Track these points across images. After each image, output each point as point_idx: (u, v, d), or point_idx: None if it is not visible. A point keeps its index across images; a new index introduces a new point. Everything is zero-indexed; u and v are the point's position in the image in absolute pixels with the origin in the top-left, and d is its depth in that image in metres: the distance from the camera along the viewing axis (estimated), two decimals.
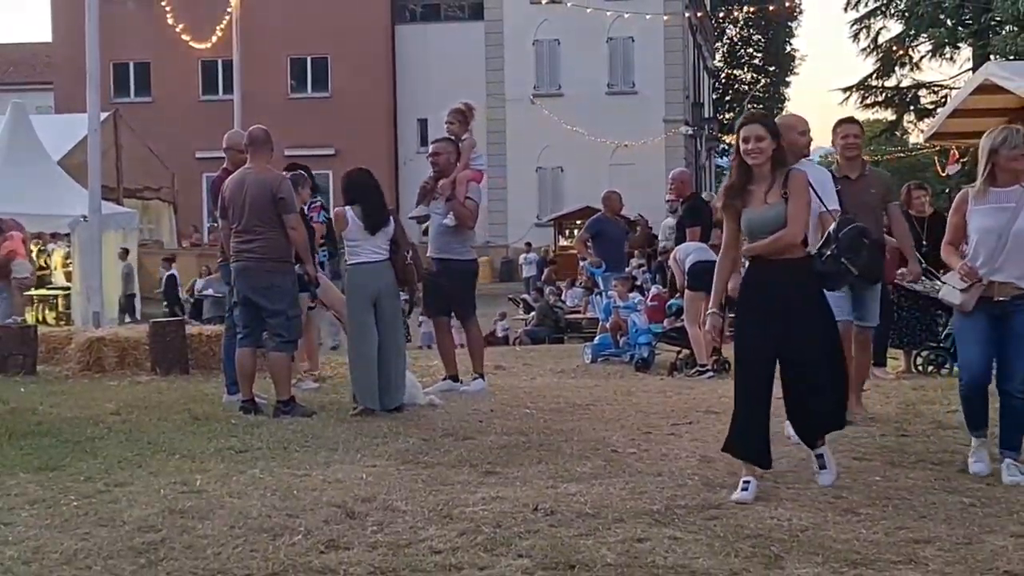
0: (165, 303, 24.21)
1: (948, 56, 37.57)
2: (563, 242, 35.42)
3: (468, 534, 4.68)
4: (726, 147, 50.95)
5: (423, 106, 35.99)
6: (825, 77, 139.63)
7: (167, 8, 21.95)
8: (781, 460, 5.74)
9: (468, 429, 7.30)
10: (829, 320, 5.60)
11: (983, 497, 5.32)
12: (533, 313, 20.95)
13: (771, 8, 44.93)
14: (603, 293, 12.69)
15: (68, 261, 21.99)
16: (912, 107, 39.74)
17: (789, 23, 56.94)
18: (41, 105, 36.35)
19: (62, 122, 24.37)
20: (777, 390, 5.49)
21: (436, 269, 9.03)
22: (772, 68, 58.81)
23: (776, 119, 5.99)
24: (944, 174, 20.55)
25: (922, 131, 31.58)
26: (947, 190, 28.34)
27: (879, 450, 6.48)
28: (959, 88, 19.85)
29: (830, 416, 5.58)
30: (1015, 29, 30.77)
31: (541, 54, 39.55)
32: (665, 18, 37.79)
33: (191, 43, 22.92)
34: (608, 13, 36.56)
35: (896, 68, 39.43)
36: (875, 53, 39.78)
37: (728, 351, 8.06)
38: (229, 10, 19.08)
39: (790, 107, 60.93)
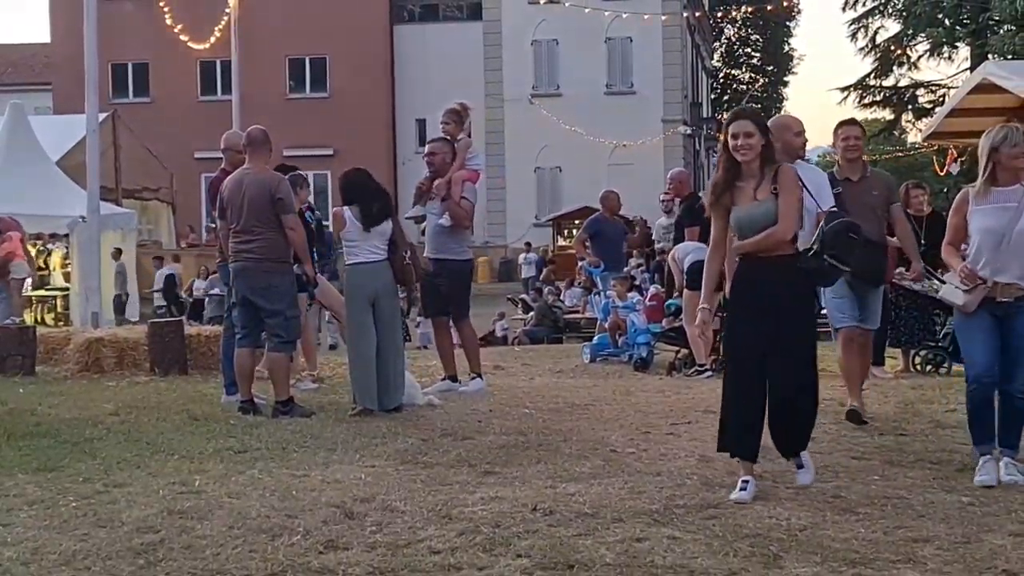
0: (165, 303, 24.18)
1: (946, 55, 37.61)
2: (562, 242, 35.44)
3: (467, 534, 4.68)
4: None
5: (422, 106, 35.98)
6: (823, 77, 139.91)
7: (165, 9, 21.94)
8: (779, 459, 5.74)
9: (467, 429, 7.30)
10: (814, 320, 5.61)
11: (981, 496, 5.32)
12: (532, 313, 20.95)
13: (769, 8, 44.86)
14: (602, 293, 12.70)
15: (67, 262, 21.98)
16: (910, 106, 39.76)
17: (787, 23, 56.97)
18: (40, 106, 36.35)
19: (61, 123, 24.35)
20: None
21: (433, 269, 9.04)
22: (770, 68, 58.82)
23: (771, 120, 5.98)
24: (944, 172, 20.57)
25: (920, 131, 31.57)
26: (945, 189, 28.38)
27: (877, 449, 6.49)
28: (957, 87, 19.83)
29: (811, 417, 5.54)
30: (1013, 28, 30.79)
31: (539, 54, 39.57)
32: (663, 18, 37.80)
33: (190, 43, 22.90)
34: (606, 13, 36.59)
35: (894, 68, 39.46)
36: (873, 53, 39.81)
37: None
38: (228, 10, 19.09)
39: (788, 107, 61.11)
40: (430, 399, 8.51)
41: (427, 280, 9.00)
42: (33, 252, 18.98)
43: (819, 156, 40.17)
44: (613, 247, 13.12)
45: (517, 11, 39.00)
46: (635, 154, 35.95)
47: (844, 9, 40.21)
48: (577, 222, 26.62)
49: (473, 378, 9.27)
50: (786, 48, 59.01)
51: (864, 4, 39.76)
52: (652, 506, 5.12)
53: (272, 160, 8.52)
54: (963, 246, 5.98)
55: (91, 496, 5.48)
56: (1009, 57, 27.24)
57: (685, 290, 10.69)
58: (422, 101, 36.37)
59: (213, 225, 10.52)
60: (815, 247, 5.44)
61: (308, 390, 9.36)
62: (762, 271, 5.37)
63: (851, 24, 40.02)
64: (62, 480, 5.86)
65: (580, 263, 15.46)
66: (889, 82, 39.89)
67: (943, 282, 6.11)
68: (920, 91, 39.50)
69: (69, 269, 21.51)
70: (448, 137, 9.26)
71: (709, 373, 10.22)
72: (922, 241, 9.49)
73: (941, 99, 35.43)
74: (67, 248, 21.52)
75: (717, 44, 57.70)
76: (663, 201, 13.96)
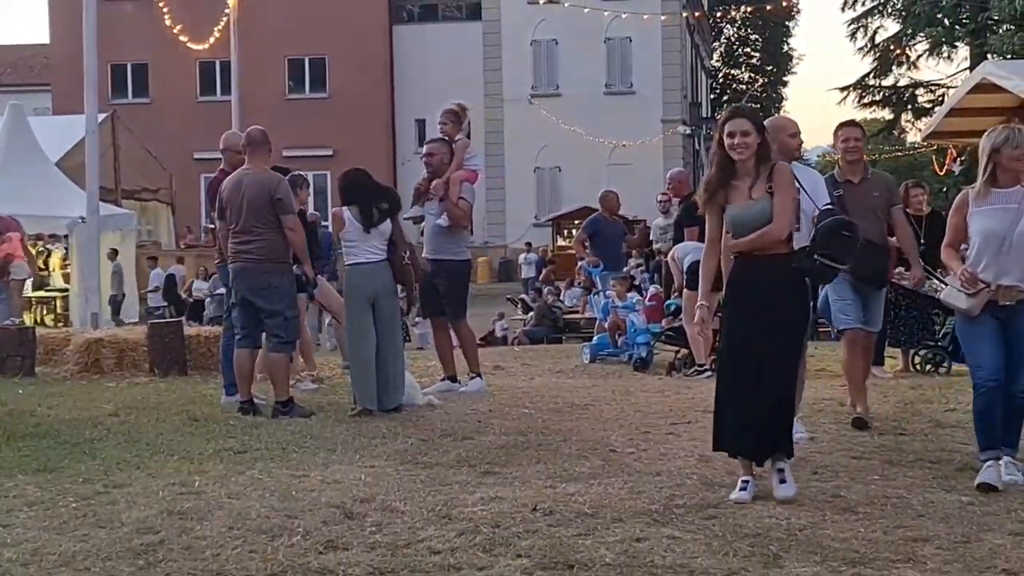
0: (162, 303, 24.16)
1: (945, 55, 37.67)
2: (561, 242, 35.46)
3: (467, 534, 4.68)
4: None
5: (421, 106, 35.97)
6: (823, 76, 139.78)
7: (164, 9, 21.94)
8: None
9: (467, 429, 7.30)
10: (808, 320, 5.59)
11: (981, 496, 5.31)
12: (531, 313, 20.94)
13: (768, 8, 44.91)
14: (601, 293, 12.70)
15: (66, 263, 21.97)
16: (909, 106, 39.82)
17: (787, 23, 56.98)
18: (39, 106, 36.34)
19: (60, 123, 24.33)
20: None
21: (432, 269, 9.04)
22: (770, 68, 58.84)
23: (766, 121, 5.96)
24: (946, 172, 20.58)
25: (919, 130, 31.64)
26: (944, 189, 28.40)
27: (877, 449, 6.48)
28: (956, 87, 19.85)
29: (791, 414, 5.51)
30: (1012, 28, 30.80)
31: (539, 54, 39.58)
32: (663, 18, 37.81)
33: (189, 44, 22.91)
34: (606, 13, 36.61)
35: (893, 67, 39.52)
36: (872, 52, 39.87)
37: None
38: (227, 11, 19.06)
39: (788, 106, 61.06)
40: (430, 399, 8.51)
41: (426, 280, 9.01)
42: (34, 252, 18.96)
43: (819, 156, 40.22)
44: (612, 247, 13.13)
45: (516, 11, 39.01)
46: (634, 154, 35.95)
47: (843, 9, 40.31)
48: (577, 222, 26.61)
49: (472, 378, 9.27)
50: (785, 48, 59.04)
51: (863, 4, 39.86)
52: (652, 506, 5.12)
53: (271, 160, 8.51)
54: (963, 246, 5.95)
55: (91, 497, 5.48)
56: (1008, 57, 27.25)
57: (685, 290, 10.69)
58: (421, 101, 36.37)
59: (212, 226, 10.51)
60: (806, 246, 5.42)
61: (308, 390, 9.36)
62: (757, 270, 5.34)
63: (850, 24, 40.11)
64: (62, 481, 5.85)
65: (580, 263, 15.46)
66: (888, 82, 39.97)
67: (943, 282, 6.07)
68: (919, 91, 39.57)
69: (68, 270, 21.50)
70: (446, 137, 9.27)
71: (709, 373, 10.21)
72: (921, 241, 9.48)
73: (940, 99, 35.47)
74: (66, 249, 21.51)
75: (716, 44, 57.71)
76: (660, 202, 13.97)
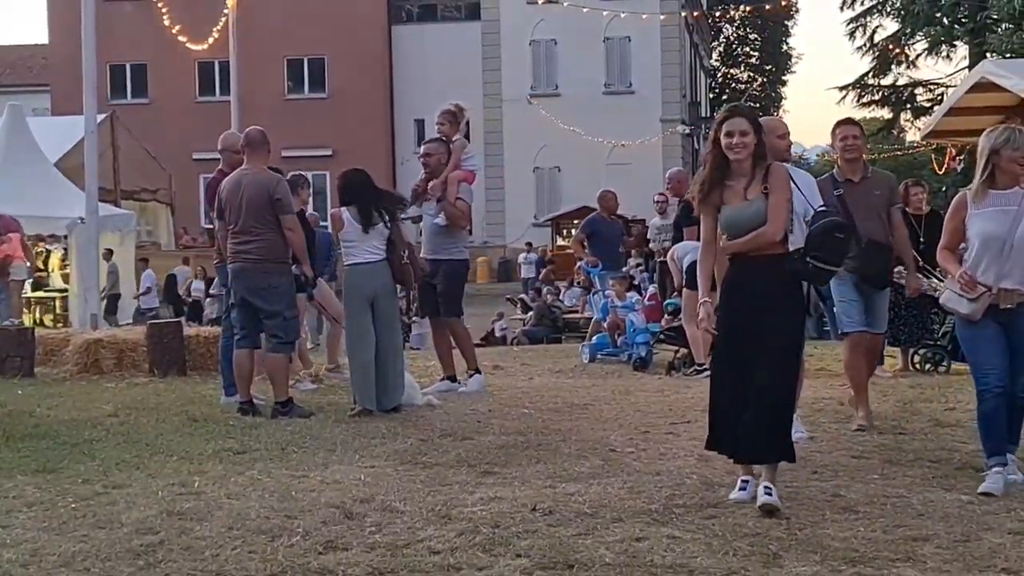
0: (155, 304, 24.14)
1: (944, 54, 37.65)
2: (561, 242, 35.44)
3: (466, 534, 4.68)
4: None
5: (420, 106, 35.96)
6: (822, 76, 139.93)
7: (163, 9, 21.94)
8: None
9: (466, 429, 7.30)
10: (803, 321, 5.53)
11: (981, 495, 5.31)
12: (531, 313, 20.94)
13: (767, 7, 44.88)
14: (600, 292, 12.70)
15: (65, 263, 21.96)
16: (908, 105, 39.81)
17: (785, 22, 57.00)
18: (38, 107, 36.35)
19: (59, 124, 24.33)
20: None
21: (430, 269, 9.04)
22: (769, 67, 58.87)
23: None
24: (947, 171, 20.57)
25: (919, 129, 31.64)
26: (944, 188, 28.39)
27: (877, 448, 6.49)
28: (955, 86, 19.84)
29: (789, 417, 5.45)
30: (1011, 27, 30.80)
31: (538, 54, 39.60)
32: (662, 17, 37.82)
33: (188, 44, 22.89)
34: (605, 13, 36.61)
35: (892, 66, 39.50)
36: (871, 51, 39.85)
37: None
38: (226, 11, 19.06)
39: (787, 106, 61.12)
40: (429, 399, 8.51)
41: (425, 280, 9.01)
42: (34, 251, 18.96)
43: (818, 156, 40.22)
44: (611, 247, 13.12)
45: (515, 11, 39.01)
46: (634, 154, 35.98)
47: (842, 8, 40.28)
48: (576, 222, 26.55)
49: (471, 375, 9.27)
50: (784, 47, 59.08)
51: (862, 3, 39.84)
52: (652, 506, 5.12)
53: (271, 161, 8.51)
54: (961, 245, 5.89)
55: (90, 497, 5.48)
56: (1007, 55, 27.24)
57: (684, 289, 10.68)
58: (421, 101, 36.37)
59: (210, 226, 10.50)
60: (800, 248, 5.34)
61: (307, 391, 9.36)
62: (752, 271, 5.26)
63: (849, 23, 40.08)
64: (61, 481, 5.85)
65: (579, 263, 15.46)
66: (887, 81, 39.95)
67: (941, 280, 6.04)
68: (918, 90, 39.56)
69: (68, 270, 21.49)
70: (444, 138, 9.27)
71: (708, 372, 10.20)
72: (921, 240, 9.47)
73: (939, 98, 35.47)
74: (65, 249, 21.50)
75: (715, 43, 57.72)
76: (656, 202, 13.97)
